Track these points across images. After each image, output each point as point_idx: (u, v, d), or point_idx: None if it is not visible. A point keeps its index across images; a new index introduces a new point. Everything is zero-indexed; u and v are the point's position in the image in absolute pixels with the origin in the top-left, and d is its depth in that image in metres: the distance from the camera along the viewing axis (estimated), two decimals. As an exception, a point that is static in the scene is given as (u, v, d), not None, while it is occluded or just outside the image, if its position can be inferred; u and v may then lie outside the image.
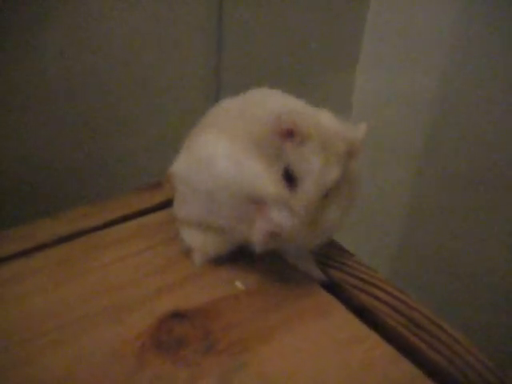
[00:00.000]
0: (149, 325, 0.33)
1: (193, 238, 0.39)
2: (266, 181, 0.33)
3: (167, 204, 0.45)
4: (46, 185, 0.52)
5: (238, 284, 0.37)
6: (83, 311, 0.34)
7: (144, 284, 0.37)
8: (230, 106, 0.38)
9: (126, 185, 0.49)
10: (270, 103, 0.36)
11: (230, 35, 0.58)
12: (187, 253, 0.39)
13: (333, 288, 0.38)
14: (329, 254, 0.41)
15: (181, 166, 0.37)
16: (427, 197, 0.69)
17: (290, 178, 0.32)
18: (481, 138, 0.61)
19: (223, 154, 0.34)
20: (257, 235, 0.34)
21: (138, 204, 0.45)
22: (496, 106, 0.58)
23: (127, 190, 0.48)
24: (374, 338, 0.34)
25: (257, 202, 0.33)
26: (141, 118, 0.56)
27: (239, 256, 0.38)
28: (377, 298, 0.37)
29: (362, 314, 0.36)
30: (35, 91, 0.48)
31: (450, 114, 0.64)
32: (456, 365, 0.32)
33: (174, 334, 0.33)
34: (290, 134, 0.32)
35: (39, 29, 0.46)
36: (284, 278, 0.38)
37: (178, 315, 0.34)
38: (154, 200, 0.46)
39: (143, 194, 0.47)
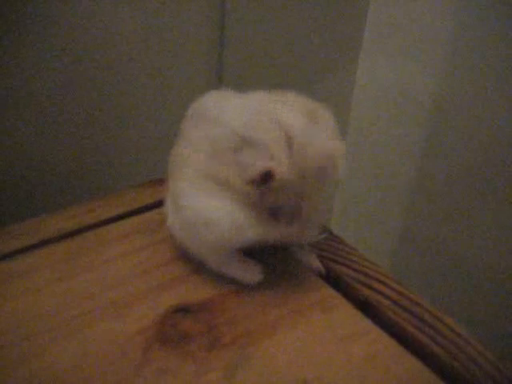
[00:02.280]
0: (153, 319, 0.33)
1: None
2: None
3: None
4: (48, 181, 0.52)
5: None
6: (87, 306, 0.34)
7: (148, 279, 0.37)
8: (194, 140, 0.35)
9: (129, 181, 0.49)
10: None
11: (232, 32, 0.58)
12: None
13: (336, 282, 0.38)
14: (331, 248, 0.41)
15: (173, 224, 0.37)
16: (428, 191, 0.69)
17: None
18: (482, 132, 0.61)
19: (219, 216, 0.33)
20: None
21: (141, 200, 0.46)
22: (497, 99, 0.59)
23: (130, 186, 0.48)
24: (376, 332, 0.34)
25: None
26: (142, 115, 0.56)
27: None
28: (379, 292, 0.37)
29: (365, 308, 0.36)
30: (36, 88, 0.48)
31: (450, 108, 0.64)
32: (458, 358, 0.32)
33: (179, 328, 0.33)
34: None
35: (41, 26, 0.46)
36: (287, 272, 0.38)
37: (181, 310, 0.34)
38: (157, 196, 0.46)
39: (146, 190, 0.47)
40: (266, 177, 0.31)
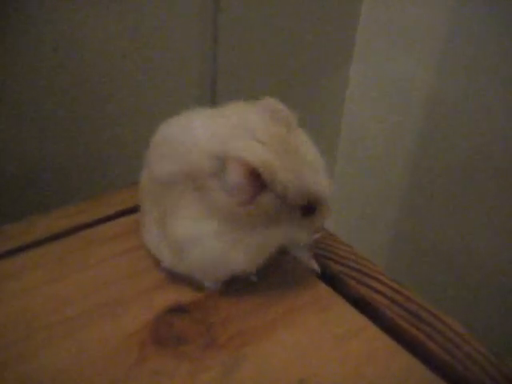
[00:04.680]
0: (148, 320, 0.33)
1: None
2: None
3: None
4: (40, 181, 0.52)
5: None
6: (81, 307, 0.34)
7: (142, 279, 0.36)
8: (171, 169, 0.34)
9: (121, 181, 0.49)
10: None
11: (225, 34, 0.58)
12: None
13: (331, 280, 0.38)
14: (326, 246, 0.41)
15: (175, 263, 0.36)
16: (423, 188, 0.70)
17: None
18: (476, 128, 0.61)
19: (235, 257, 0.33)
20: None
21: (134, 199, 0.45)
22: (491, 95, 0.59)
23: (123, 186, 0.47)
24: (373, 329, 0.34)
25: None
26: (135, 114, 0.56)
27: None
28: (375, 290, 0.37)
29: (361, 306, 0.36)
30: (28, 87, 0.48)
31: (444, 105, 0.64)
32: (455, 355, 0.32)
33: (174, 328, 0.32)
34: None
35: (32, 25, 0.46)
36: (282, 271, 0.38)
37: (177, 310, 0.34)
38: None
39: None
40: (252, 176, 0.30)
